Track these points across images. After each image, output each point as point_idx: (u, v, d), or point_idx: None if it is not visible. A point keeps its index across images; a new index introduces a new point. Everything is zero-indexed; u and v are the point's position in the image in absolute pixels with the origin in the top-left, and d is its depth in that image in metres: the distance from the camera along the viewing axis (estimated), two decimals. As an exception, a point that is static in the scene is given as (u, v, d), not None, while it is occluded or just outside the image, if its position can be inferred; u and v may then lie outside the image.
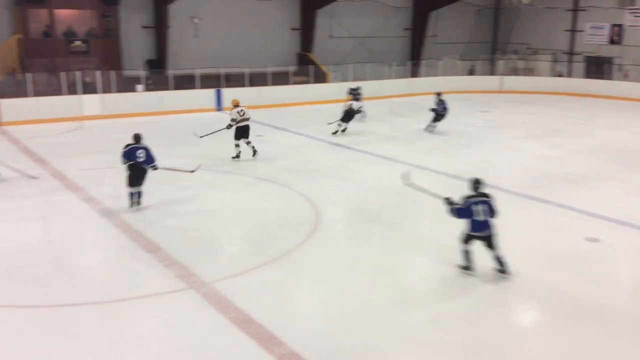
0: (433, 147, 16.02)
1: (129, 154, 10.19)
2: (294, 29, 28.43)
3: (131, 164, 10.21)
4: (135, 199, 10.37)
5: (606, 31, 29.43)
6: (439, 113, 17.75)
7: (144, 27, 24.50)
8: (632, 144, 16.79)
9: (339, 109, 22.66)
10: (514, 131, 18.44)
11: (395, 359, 6.05)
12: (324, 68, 27.09)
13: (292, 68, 24.94)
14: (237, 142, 14.07)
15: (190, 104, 20.98)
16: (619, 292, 7.64)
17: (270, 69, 23.91)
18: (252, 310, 6.72)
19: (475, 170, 13.32)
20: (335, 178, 12.75)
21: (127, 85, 21.26)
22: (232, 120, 13.90)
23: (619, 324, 6.73)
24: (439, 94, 18.00)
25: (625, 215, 10.28)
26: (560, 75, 29.78)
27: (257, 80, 23.55)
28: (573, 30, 30.92)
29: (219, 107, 21.57)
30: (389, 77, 27.24)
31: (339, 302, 7.20)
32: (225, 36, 26.41)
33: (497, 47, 34.46)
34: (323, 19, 28.77)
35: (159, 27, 24.45)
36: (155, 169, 10.47)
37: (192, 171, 11.50)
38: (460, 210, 7.60)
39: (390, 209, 10.74)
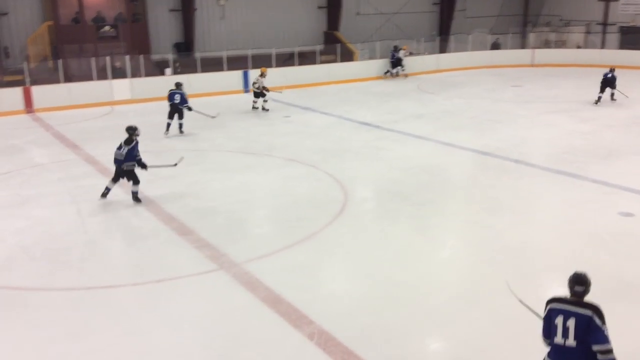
0: (462, 124, 15.81)
1: (169, 96, 14.50)
2: (320, 7, 28.18)
3: (171, 103, 14.44)
4: (169, 129, 14.62)
5: (642, 0, 28.57)
6: (608, 80, 18.16)
7: (171, 10, 24.59)
8: (669, 116, 16.33)
9: (367, 87, 22.68)
10: (545, 105, 18.09)
11: (424, 338, 6.07)
12: (351, 46, 26.83)
13: (318, 47, 24.76)
14: (255, 99, 18.04)
15: (218, 86, 21.06)
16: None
17: (297, 49, 23.79)
18: (281, 290, 6.79)
19: (506, 146, 13.17)
20: (364, 157, 12.70)
21: (155, 69, 21.42)
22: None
23: (655, 300, 6.60)
24: (612, 70, 18.34)
25: (661, 189, 10.05)
26: (578, 47, 28.98)
27: (284, 60, 23.45)
28: (607, 0, 30.03)
29: (246, 88, 21.58)
30: (417, 54, 26.88)
31: (367, 281, 7.22)
32: (251, 17, 26.34)
33: (529, 19, 33.68)
34: (350, -4, 28.48)
35: (186, 10, 24.51)
36: (190, 109, 14.54)
37: (213, 116, 15.58)
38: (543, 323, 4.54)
39: (419, 188, 10.68)
